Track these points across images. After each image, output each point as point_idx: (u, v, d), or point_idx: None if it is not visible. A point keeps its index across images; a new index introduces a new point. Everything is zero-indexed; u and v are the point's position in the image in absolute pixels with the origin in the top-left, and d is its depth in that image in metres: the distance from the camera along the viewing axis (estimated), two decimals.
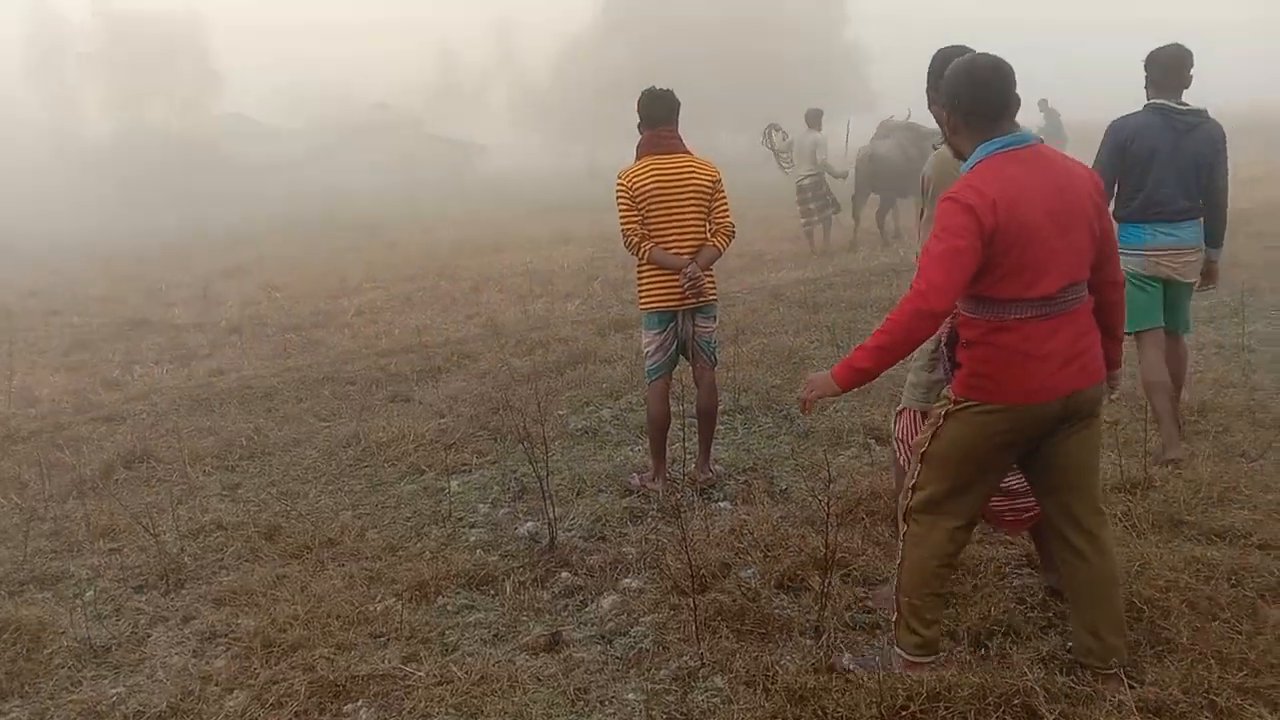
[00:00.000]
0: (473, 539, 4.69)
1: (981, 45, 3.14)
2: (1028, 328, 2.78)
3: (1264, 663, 3.00)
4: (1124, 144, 4.91)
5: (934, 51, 3.51)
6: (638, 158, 5.04)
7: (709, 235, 4.99)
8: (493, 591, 4.11)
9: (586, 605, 3.94)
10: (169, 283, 16.77)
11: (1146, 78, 4.98)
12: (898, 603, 3.10)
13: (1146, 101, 4.97)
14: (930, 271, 2.71)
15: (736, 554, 4.18)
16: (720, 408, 6.38)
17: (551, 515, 4.49)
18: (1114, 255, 2.96)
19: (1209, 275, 5.09)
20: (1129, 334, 4.47)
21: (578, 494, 5.18)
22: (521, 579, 4.15)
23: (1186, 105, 4.88)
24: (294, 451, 6.37)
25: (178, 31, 54.69)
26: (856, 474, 5.03)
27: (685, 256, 4.89)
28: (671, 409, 5.18)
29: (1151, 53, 4.98)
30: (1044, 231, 2.73)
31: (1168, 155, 4.84)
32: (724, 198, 5.03)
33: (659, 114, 4.99)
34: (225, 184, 44.12)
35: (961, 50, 3.26)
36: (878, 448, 5.52)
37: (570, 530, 4.66)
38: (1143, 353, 5.01)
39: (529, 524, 4.75)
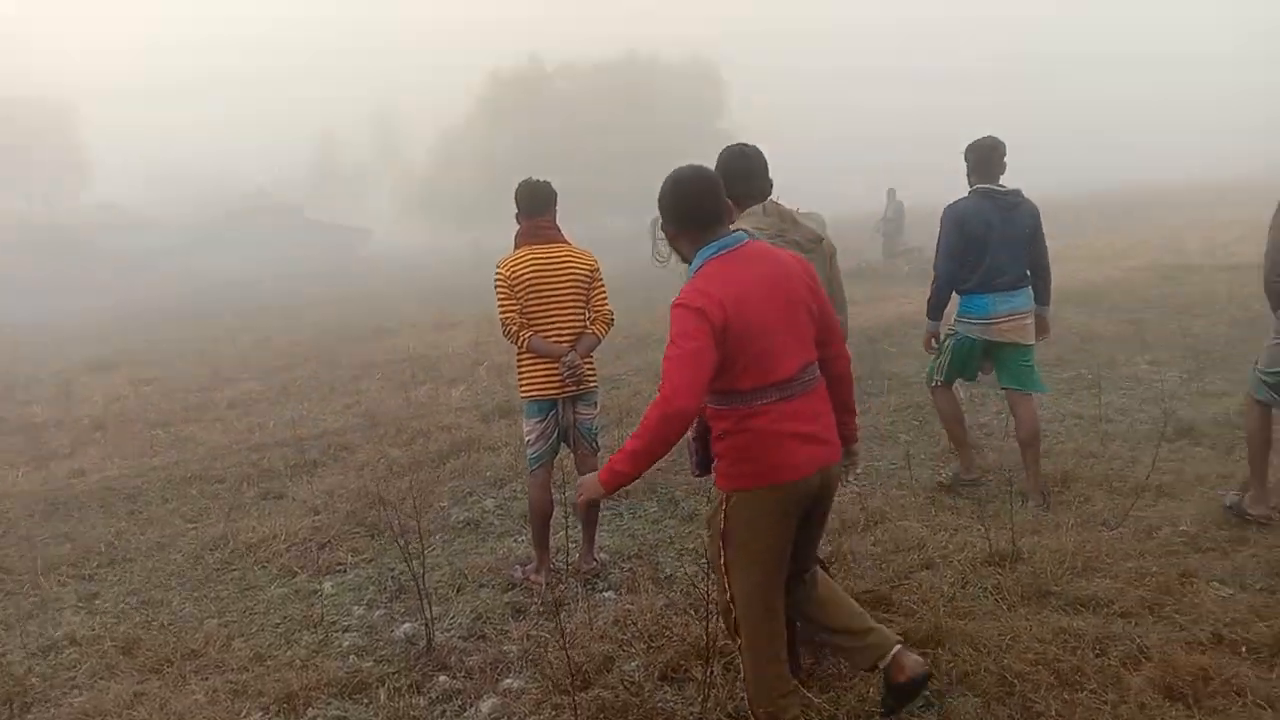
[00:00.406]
0: (346, 644, 4.49)
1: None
2: (775, 410, 2.94)
3: None
4: (962, 225, 5.44)
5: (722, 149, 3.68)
6: (516, 247, 5.08)
7: (588, 323, 5.04)
8: (366, 700, 3.93)
9: (465, 710, 3.80)
10: (27, 378, 15.94)
11: (967, 166, 5.57)
12: (755, 716, 3.11)
13: (970, 187, 5.54)
14: (673, 376, 2.83)
15: (620, 646, 4.11)
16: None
17: (429, 615, 4.35)
18: (835, 331, 3.14)
19: (1042, 328, 5.73)
20: (940, 383, 5.85)
21: (458, 590, 5.04)
22: (397, 685, 3.99)
23: (1004, 187, 5.49)
24: (157, 557, 6.04)
25: (44, 119, 53.03)
26: None
27: (564, 345, 4.92)
28: (554, 497, 5.12)
29: (970, 144, 5.56)
30: (770, 321, 2.92)
31: (1000, 232, 5.41)
32: (602, 286, 5.10)
33: (536, 205, 5.04)
34: (93, 275, 42.51)
35: (743, 149, 3.58)
36: None
37: (449, 630, 4.51)
38: (945, 396, 5.94)
39: (406, 625, 4.59)
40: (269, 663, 4.37)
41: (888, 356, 10.27)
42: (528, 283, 4.90)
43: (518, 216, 5.11)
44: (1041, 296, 5.65)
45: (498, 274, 4.98)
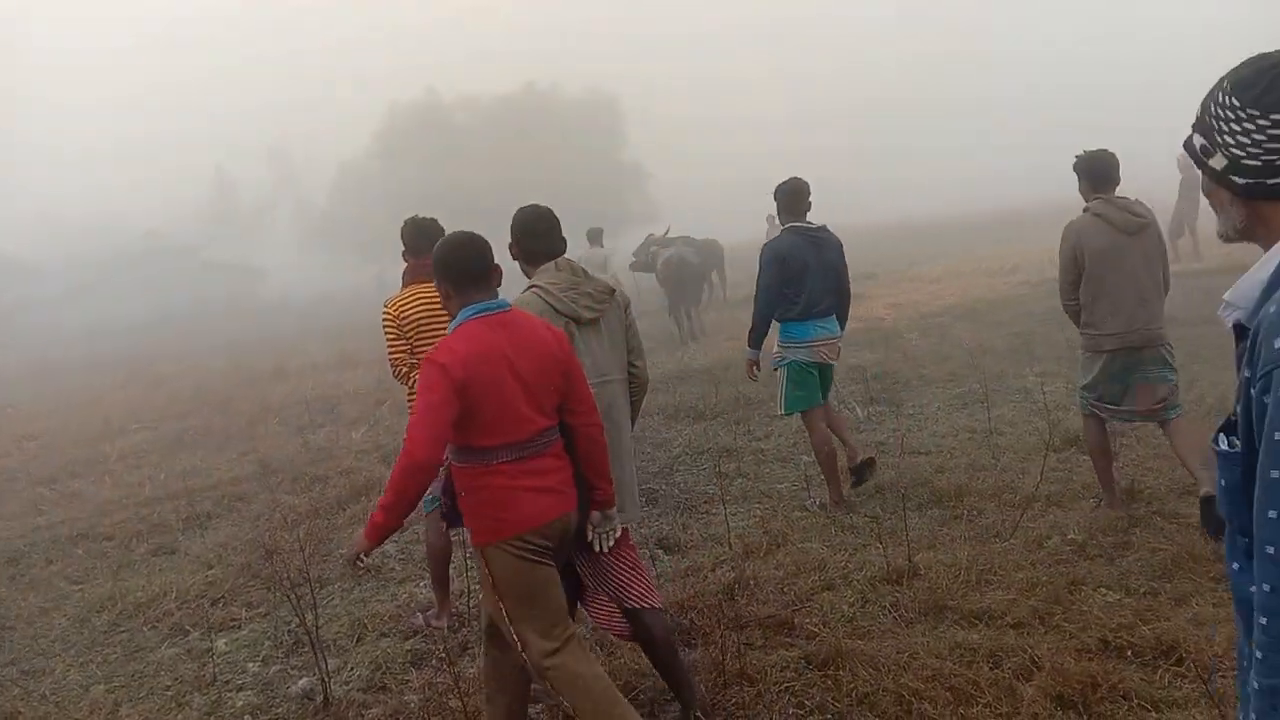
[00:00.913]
0: (240, 704, 4.33)
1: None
2: (510, 468, 3.13)
3: None
4: (783, 260, 5.89)
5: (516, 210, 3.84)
6: (404, 285, 5.00)
7: None
8: None
9: None
10: None
11: (777, 206, 6.13)
12: None
13: (782, 226, 6.10)
14: (414, 430, 3.01)
15: None
16: None
17: (324, 670, 4.22)
18: (585, 400, 3.31)
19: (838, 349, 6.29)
20: (803, 411, 6.12)
21: (357, 640, 4.90)
22: None
23: (813, 224, 6.03)
24: (40, 622, 5.75)
25: None
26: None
27: None
28: (452, 539, 5.03)
29: (778, 187, 6.09)
30: (511, 385, 3.11)
31: (815, 266, 5.92)
32: None
33: (423, 244, 4.88)
34: None
35: (538, 209, 3.83)
36: (666, 557, 5.55)
37: (348, 683, 4.39)
38: (813, 427, 6.12)
39: (303, 680, 4.44)
40: None
41: None
42: (416, 322, 4.82)
43: (404, 255, 5.06)
44: (843, 323, 6.22)
45: (385, 314, 4.89)
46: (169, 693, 4.55)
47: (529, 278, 3.75)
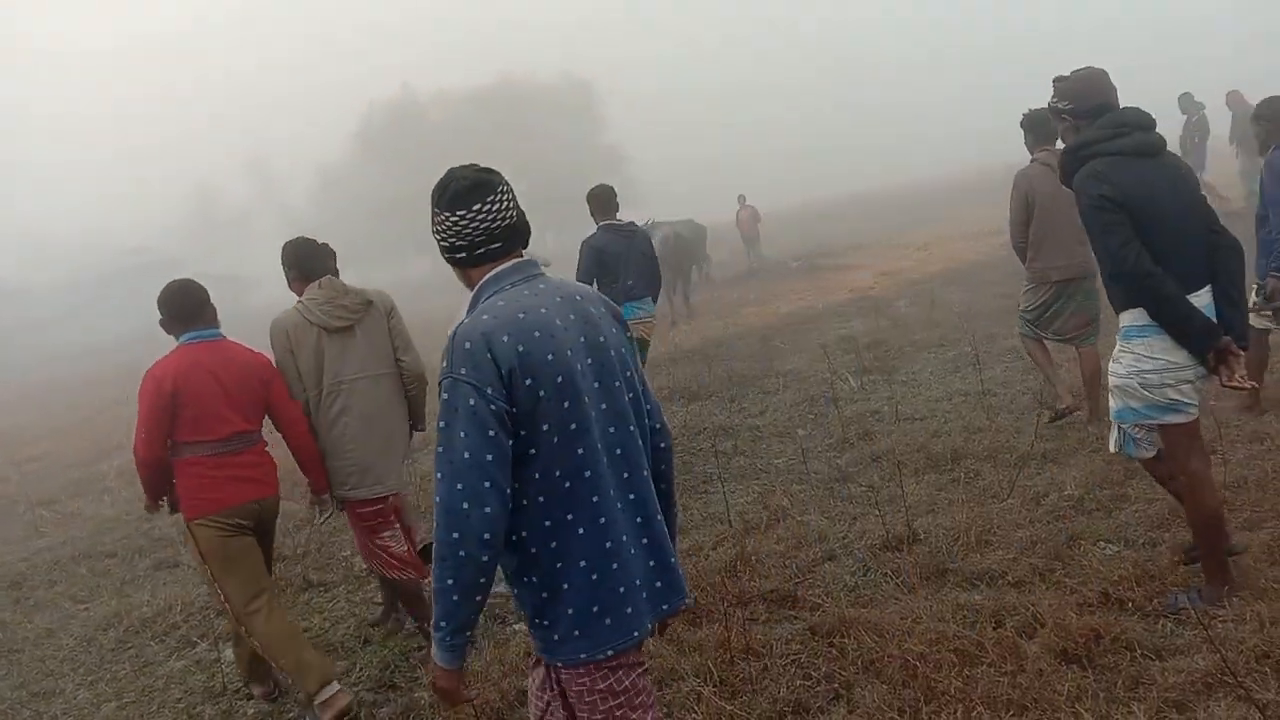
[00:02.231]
0: (251, 711, 4.35)
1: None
2: (210, 460, 4.05)
3: (1027, 699, 3.16)
4: (599, 253, 6.89)
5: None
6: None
7: None
8: None
9: None
10: None
11: (590, 209, 7.12)
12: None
13: (598, 224, 7.04)
14: (137, 430, 4.01)
15: None
16: None
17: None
18: (286, 409, 4.20)
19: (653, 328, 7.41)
20: None
21: (364, 642, 4.92)
22: None
23: (622, 221, 7.11)
24: (47, 644, 5.75)
25: None
26: None
27: None
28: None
29: (589, 191, 7.21)
30: (214, 396, 4.02)
31: (628, 258, 6.95)
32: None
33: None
34: None
35: (309, 240, 4.76)
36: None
37: (357, 684, 4.40)
38: None
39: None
40: None
41: (781, 353, 10.42)
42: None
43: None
44: (653, 302, 7.33)
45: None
46: (180, 705, 4.56)
47: (299, 295, 4.52)
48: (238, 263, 56.00)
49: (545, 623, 2.24)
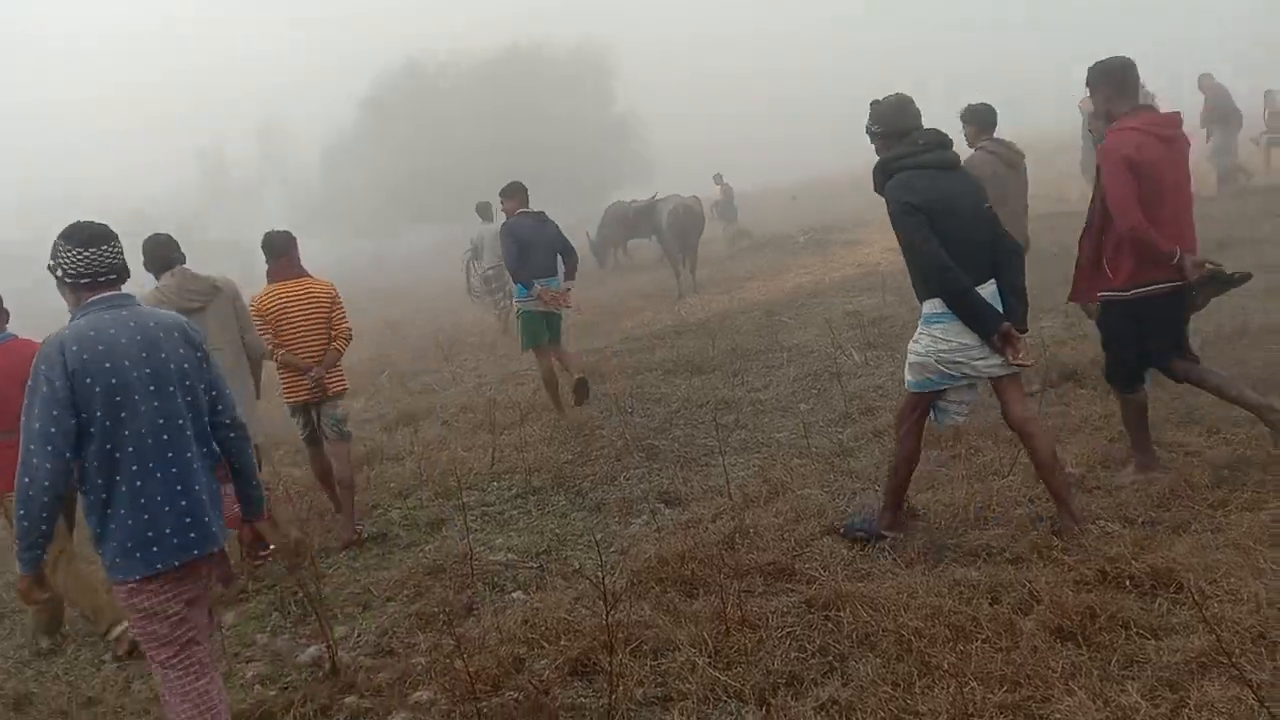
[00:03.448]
0: (250, 674, 4.37)
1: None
2: (8, 443, 4.22)
3: (1021, 675, 3.17)
4: (516, 235, 8.00)
5: None
6: (269, 283, 6.13)
7: (330, 341, 6.10)
8: None
9: None
10: None
11: (501, 202, 8.40)
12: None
13: (513, 213, 8.19)
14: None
15: (529, 646, 4.08)
16: (512, 491, 6.35)
17: (330, 637, 4.25)
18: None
19: (566, 300, 8.25)
20: (535, 348, 8.22)
21: (364, 607, 4.94)
22: (303, 712, 3.89)
23: (532, 210, 8.23)
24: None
25: None
26: (645, 541, 5.05)
27: (310, 361, 6.01)
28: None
29: (503, 189, 8.36)
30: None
31: (538, 240, 8.06)
32: (341, 309, 6.19)
33: (276, 250, 6.16)
34: None
35: (158, 238, 5.53)
36: (667, 510, 5.57)
37: (355, 649, 4.43)
38: (542, 361, 8.22)
39: (312, 649, 4.48)
40: None
41: (786, 328, 10.39)
42: (277, 311, 5.96)
43: (267, 261, 6.18)
44: (569, 279, 8.34)
45: (251, 306, 5.95)
46: None
47: (158, 280, 5.40)
48: (243, 231, 55.82)
49: (101, 551, 3.14)
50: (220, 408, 3.36)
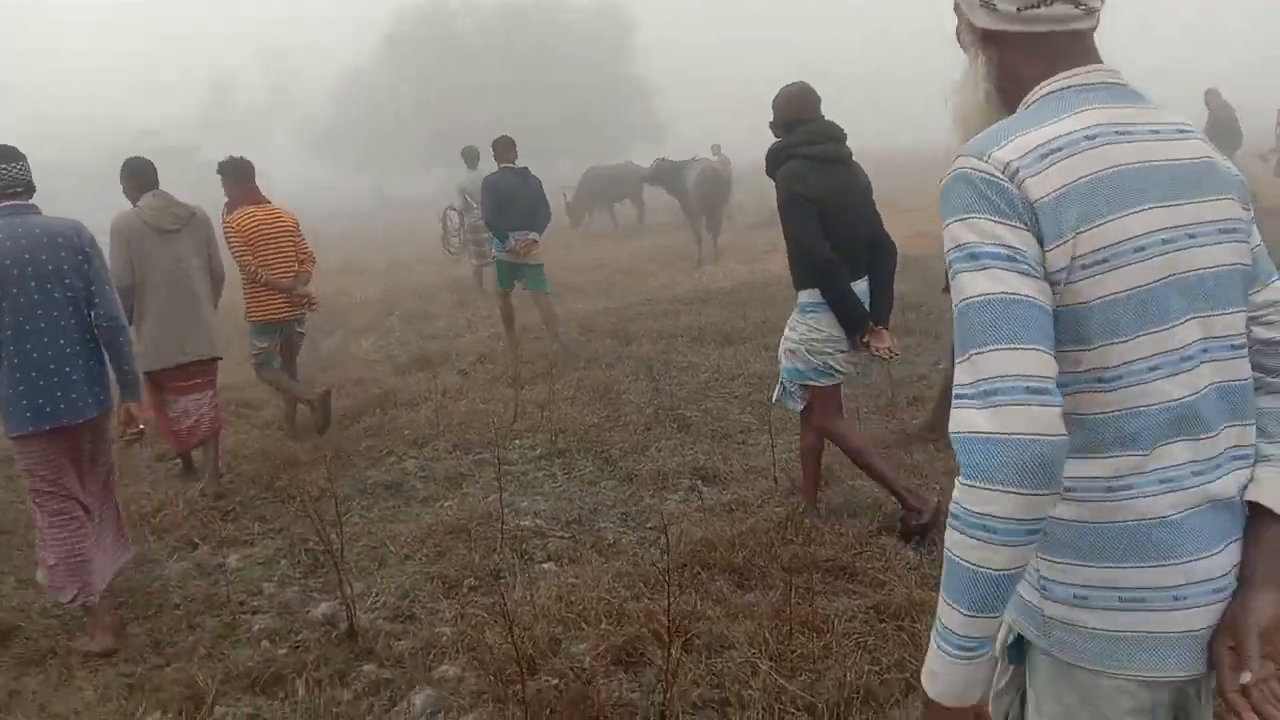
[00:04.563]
0: (257, 628, 4.02)
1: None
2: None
3: None
4: (495, 190, 8.53)
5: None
6: (236, 206, 6.65)
7: (299, 263, 6.64)
8: (282, 694, 3.48)
9: (396, 704, 3.38)
10: None
11: (494, 152, 8.81)
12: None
13: (500, 167, 8.72)
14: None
15: (565, 626, 3.74)
16: (536, 452, 6.02)
17: (349, 594, 3.89)
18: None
19: (532, 249, 8.69)
20: (501, 290, 9.13)
21: (380, 564, 4.59)
22: (317, 676, 3.54)
23: (517, 165, 8.74)
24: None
25: None
26: (687, 520, 4.71)
27: (289, 279, 6.53)
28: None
29: (494, 140, 8.88)
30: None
31: (519, 195, 8.53)
32: (301, 233, 6.76)
33: (244, 175, 6.78)
34: None
35: (139, 161, 5.87)
36: (705, 489, 5.22)
37: (373, 610, 4.08)
38: (505, 301, 9.18)
39: (324, 605, 4.13)
40: (168, 651, 3.89)
41: None
42: (254, 232, 6.43)
43: (225, 185, 6.87)
44: (539, 229, 8.78)
45: (229, 227, 6.50)
46: (179, 612, 4.23)
47: (134, 204, 5.64)
48: (249, 155, 54.69)
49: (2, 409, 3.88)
50: (97, 302, 3.99)
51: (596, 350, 8.71)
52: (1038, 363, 1.31)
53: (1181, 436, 1.40)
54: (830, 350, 4.34)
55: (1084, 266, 1.36)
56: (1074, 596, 1.43)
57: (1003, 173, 1.38)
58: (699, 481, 5.34)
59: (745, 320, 9.21)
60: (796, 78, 4.67)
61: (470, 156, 12.18)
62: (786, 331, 4.51)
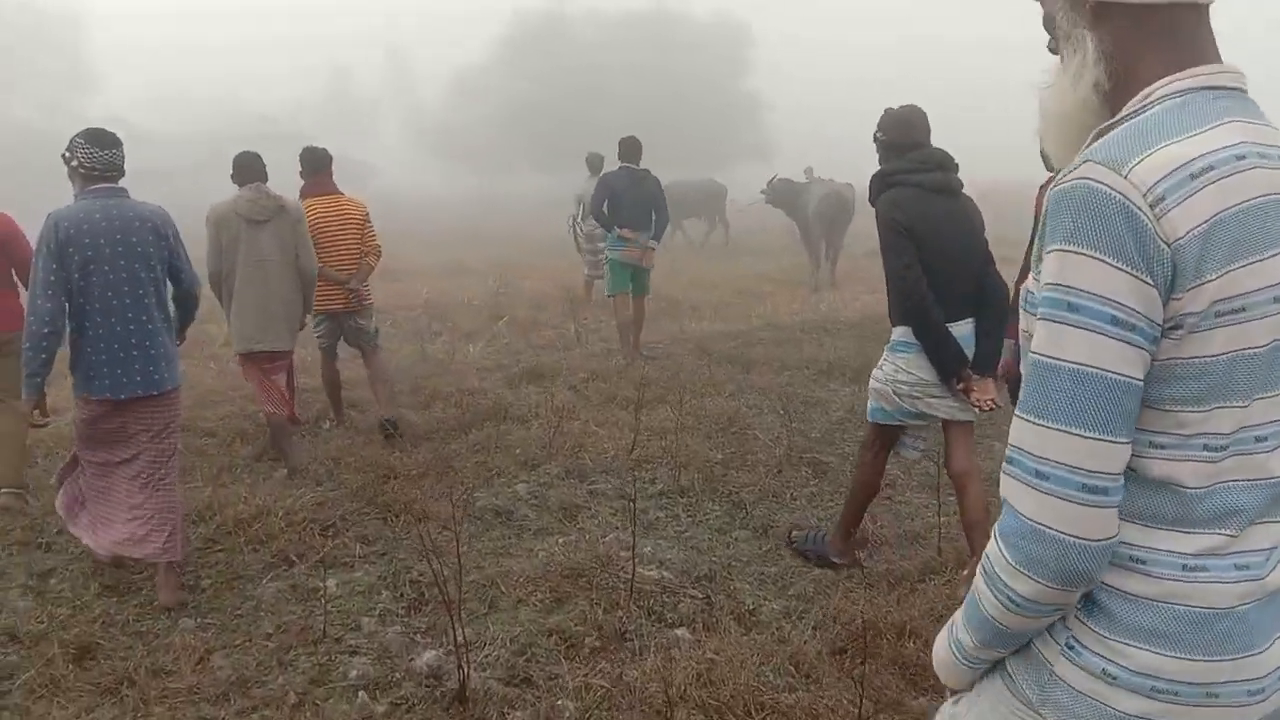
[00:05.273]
0: (354, 673, 3.56)
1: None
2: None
3: None
4: (608, 187, 8.67)
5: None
6: (304, 198, 6.55)
7: (363, 256, 6.62)
8: None
9: None
10: None
11: (619, 152, 8.84)
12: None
13: (620, 165, 8.82)
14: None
15: (707, 715, 3.19)
16: (657, 487, 5.52)
17: (460, 639, 3.40)
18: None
19: (648, 259, 8.86)
20: (615, 294, 9.02)
21: (490, 606, 4.11)
22: None
23: (637, 166, 8.74)
24: None
25: (50, 25, 51.07)
26: (840, 592, 4.12)
27: (346, 273, 6.53)
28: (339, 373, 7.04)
29: (620, 140, 8.80)
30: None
31: (632, 194, 8.56)
32: (371, 226, 6.73)
33: (319, 166, 6.69)
34: None
35: (247, 154, 6.00)
36: (861, 554, 4.61)
37: (484, 667, 3.58)
38: (617, 308, 9.08)
39: (429, 654, 3.65)
40: (254, 692, 3.45)
41: None
42: (315, 225, 6.28)
43: (301, 174, 6.73)
44: (656, 235, 8.85)
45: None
46: (270, 643, 3.81)
47: (239, 188, 5.85)
48: (361, 149, 55.73)
49: (73, 372, 4.12)
50: (182, 275, 4.35)
51: (715, 377, 8.15)
52: (1107, 458, 1.17)
53: (1270, 519, 1.26)
54: (919, 394, 4.06)
55: (1220, 314, 1.16)
56: (1104, 671, 1.26)
57: (1144, 198, 1.14)
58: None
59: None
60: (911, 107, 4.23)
61: (594, 163, 11.57)
62: (874, 370, 4.27)
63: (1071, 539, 1.17)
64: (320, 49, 65.25)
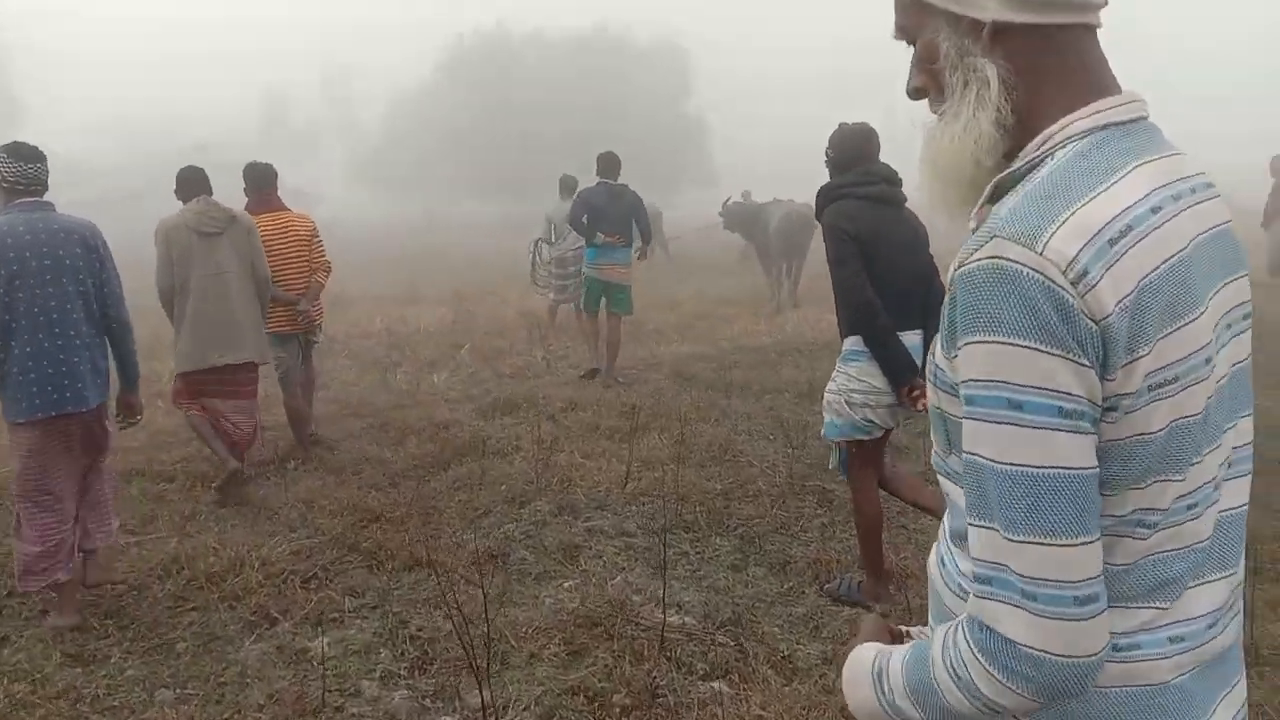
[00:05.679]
0: None
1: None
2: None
3: None
4: (587, 204, 8.63)
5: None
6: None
7: (311, 274, 6.52)
8: None
9: None
10: None
11: (596, 168, 8.74)
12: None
13: (597, 180, 8.76)
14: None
15: None
16: (659, 523, 5.23)
17: (487, 700, 3.05)
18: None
19: (626, 275, 8.89)
20: (589, 311, 9.17)
21: (502, 662, 3.76)
22: None
23: (614, 182, 8.74)
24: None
25: None
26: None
27: (295, 292, 6.43)
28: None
29: (599, 155, 8.79)
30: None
31: (610, 209, 8.53)
32: (320, 243, 6.62)
33: (263, 182, 6.58)
34: None
35: (192, 169, 5.96)
36: (893, 588, 4.34)
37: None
38: (590, 324, 9.32)
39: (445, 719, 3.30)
40: None
41: None
42: (263, 243, 6.00)
43: (245, 191, 6.57)
44: (640, 254, 9.08)
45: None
46: (263, 717, 3.41)
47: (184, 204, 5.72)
48: (299, 175, 54.58)
49: (3, 394, 4.02)
50: (108, 304, 4.22)
51: (696, 403, 7.88)
52: (1090, 561, 1.06)
53: (1204, 580, 1.18)
54: (872, 404, 4.02)
55: (1153, 388, 1.07)
56: None
57: (1064, 275, 1.03)
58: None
59: None
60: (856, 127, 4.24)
61: (568, 184, 10.90)
62: (828, 384, 4.21)
63: (1071, 661, 1.05)
64: (257, 75, 64.10)
